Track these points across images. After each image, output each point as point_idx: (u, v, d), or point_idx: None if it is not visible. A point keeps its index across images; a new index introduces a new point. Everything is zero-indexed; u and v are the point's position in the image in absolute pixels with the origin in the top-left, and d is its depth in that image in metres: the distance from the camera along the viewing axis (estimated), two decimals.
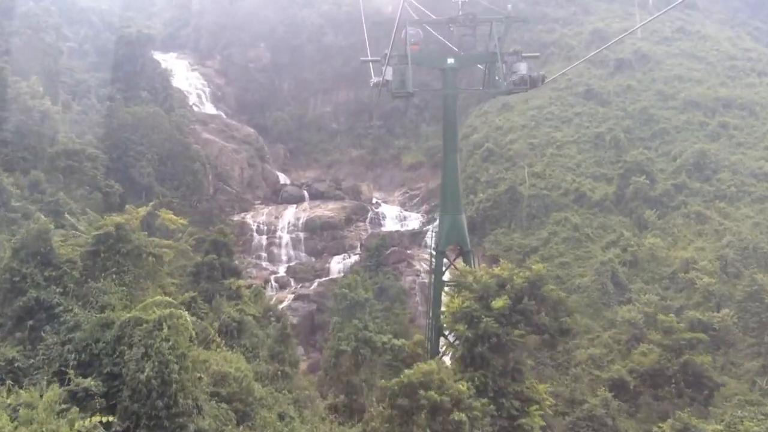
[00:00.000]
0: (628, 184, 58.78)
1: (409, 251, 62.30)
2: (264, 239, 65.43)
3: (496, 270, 29.03)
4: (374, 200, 74.86)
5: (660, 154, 63.25)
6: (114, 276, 21.83)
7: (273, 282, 59.66)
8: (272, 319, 30.61)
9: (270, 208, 70.63)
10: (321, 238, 65.40)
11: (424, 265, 60.83)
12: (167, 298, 19.29)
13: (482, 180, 66.21)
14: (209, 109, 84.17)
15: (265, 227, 66.36)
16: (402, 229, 66.70)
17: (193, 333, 17.87)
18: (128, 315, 18.77)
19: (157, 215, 33.16)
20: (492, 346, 26.69)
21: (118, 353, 18.43)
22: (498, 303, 26.71)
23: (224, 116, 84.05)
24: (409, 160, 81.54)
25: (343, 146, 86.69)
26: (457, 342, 29.70)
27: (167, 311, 17.51)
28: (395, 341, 32.65)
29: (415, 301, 56.24)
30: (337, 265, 62.11)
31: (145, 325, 17.61)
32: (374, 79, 32.38)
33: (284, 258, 64.26)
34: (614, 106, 70.77)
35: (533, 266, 28.84)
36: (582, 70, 78.04)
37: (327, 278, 60.13)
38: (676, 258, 51.16)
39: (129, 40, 71.91)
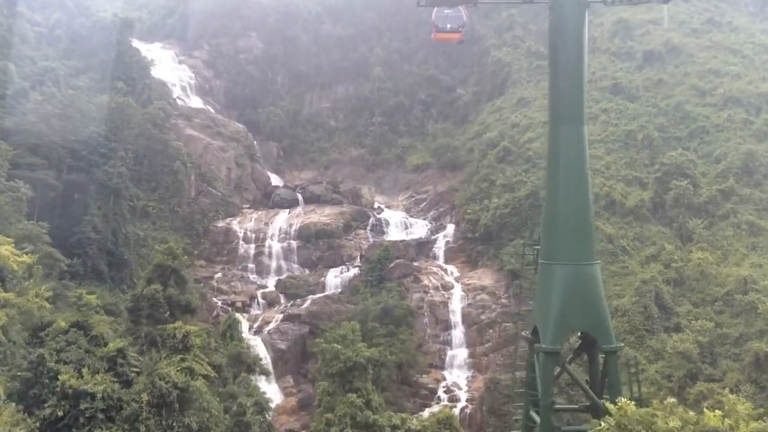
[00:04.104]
0: (667, 190, 51.79)
1: (415, 263, 55.05)
2: (252, 248, 58.21)
3: (714, 417, 13.57)
4: (376, 205, 67.61)
5: (700, 156, 56.22)
6: None
7: (260, 298, 52.51)
8: (243, 366, 22.75)
9: (259, 213, 63.44)
10: (316, 247, 58.08)
11: (433, 280, 53.43)
12: None
13: (498, 183, 59.21)
14: (195, 102, 76.95)
15: (254, 235, 59.15)
16: (407, 238, 59.34)
17: None
18: None
19: None
20: None
21: None
22: None
23: (212, 111, 76.79)
24: (415, 161, 74.38)
25: (342, 145, 79.66)
26: None
27: None
28: (411, 422, 22.75)
29: (424, 322, 49.02)
30: (334, 279, 54.82)
31: None
32: None
33: (274, 270, 56.94)
34: (645, 102, 63.88)
35: None
36: (606, 63, 71.13)
37: (322, 294, 52.93)
38: (728, 276, 44.25)
39: (104, 24, 65.47)
